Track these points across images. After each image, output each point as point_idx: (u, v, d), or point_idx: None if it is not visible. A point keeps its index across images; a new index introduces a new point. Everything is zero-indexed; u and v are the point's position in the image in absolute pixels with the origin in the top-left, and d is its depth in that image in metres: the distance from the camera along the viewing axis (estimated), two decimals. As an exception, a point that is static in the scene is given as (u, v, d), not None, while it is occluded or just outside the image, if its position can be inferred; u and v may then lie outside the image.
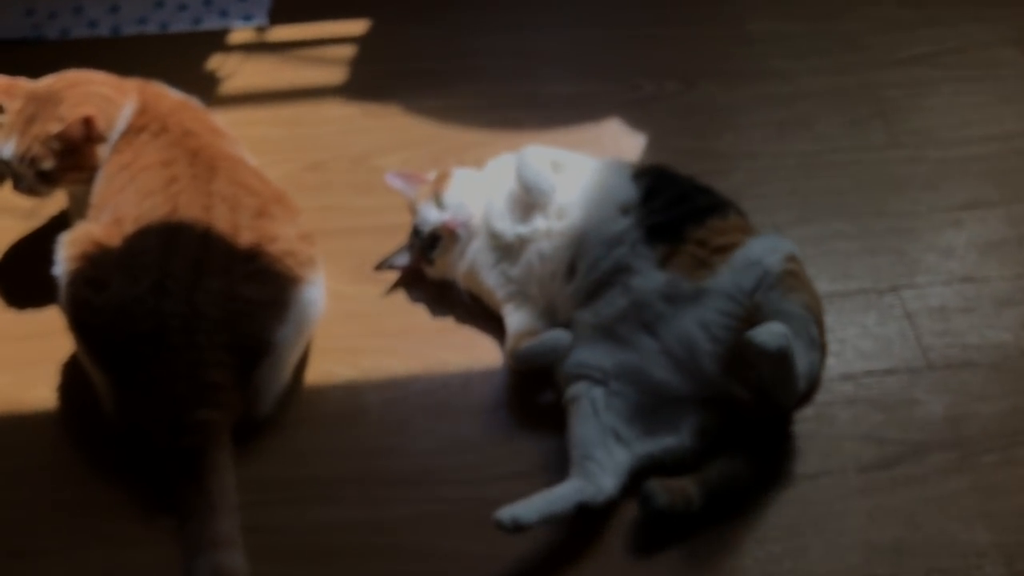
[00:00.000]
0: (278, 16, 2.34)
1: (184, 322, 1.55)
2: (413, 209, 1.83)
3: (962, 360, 1.71)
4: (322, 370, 1.74)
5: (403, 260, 1.85)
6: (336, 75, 2.23)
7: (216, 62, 2.24)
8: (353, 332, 1.79)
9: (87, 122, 1.72)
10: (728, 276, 1.58)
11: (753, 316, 1.53)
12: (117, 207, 1.68)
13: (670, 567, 1.49)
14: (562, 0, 2.40)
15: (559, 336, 1.66)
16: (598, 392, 1.58)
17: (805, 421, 1.64)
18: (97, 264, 1.59)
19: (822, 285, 1.75)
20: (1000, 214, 1.92)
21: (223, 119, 1.91)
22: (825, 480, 1.57)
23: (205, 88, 2.10)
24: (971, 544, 1.49)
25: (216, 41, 2.29)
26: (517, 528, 1.43)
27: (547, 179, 1.72)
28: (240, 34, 2.31)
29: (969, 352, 1.72)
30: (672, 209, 1.67)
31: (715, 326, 1.56)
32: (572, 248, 1.69)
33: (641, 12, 2.35)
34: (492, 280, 1.76)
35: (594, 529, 1.53)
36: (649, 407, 1.58)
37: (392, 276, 1.86)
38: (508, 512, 1.44)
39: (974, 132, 2.07)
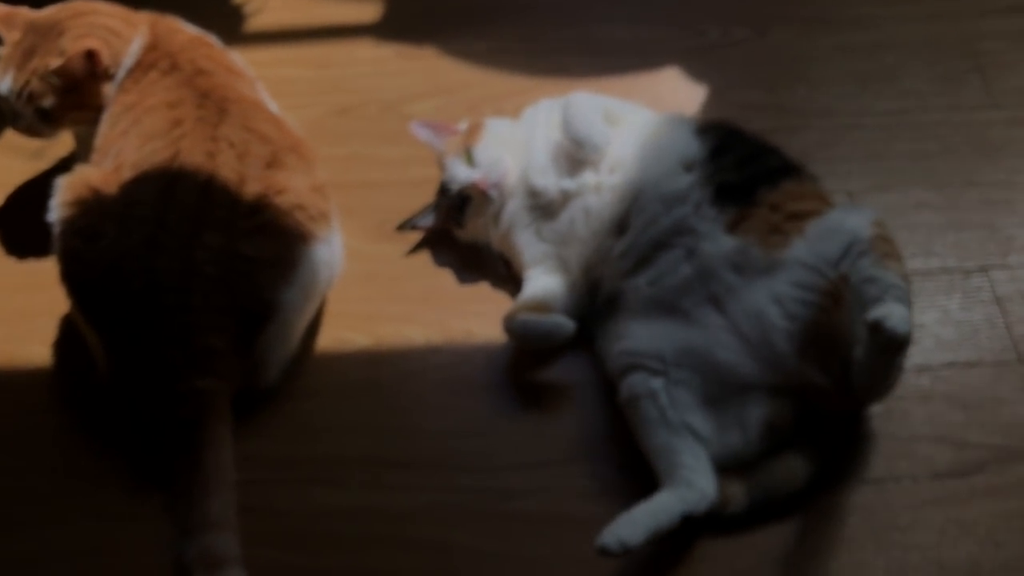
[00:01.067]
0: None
1: (179, 280, 1.40)
2: (441, 164, 1.65)
3: (1060, 355, 1.50)
4: (335, 337, 1.59)
5: (428, 221, 1.68)
6: (370, 13, 2.05)
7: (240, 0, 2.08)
8: (371, 296, 1.64)
9: (90, 56, 1.58)
10: (805, 246, 1.38)
11: (837, 289, 1.34)
12: (119, 151, 1.53)
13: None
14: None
15: (562, 323, 1.48)
16: (658, 385, 1.38)
17: (873, 418, 1.44)
18: (90, 212, 1.45)
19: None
20: None
21: (245, 59, 1.74)
22: (892, 487, 1.38)
23: (228, 26, 1.94)
24: (1062, 571, 1.30)
25: (244, -27, 2.13)
26: (625, 551, 1.26)
27: (600, 131, 1.53)
28: (271, -34, 2.15)
29: (1069, 346, 1.50)
30: (743, 168, 1.47)
31: (791, 300, 1.36)
32: (625, 203, 1.50)
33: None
34: (523, 239, 1.59)
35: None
36: (713, 397, 1.38)
37: (416, 235, 1.70)
38: (612, 535, 1.26)
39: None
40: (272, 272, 1.45)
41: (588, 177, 1.54)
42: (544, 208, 1.58)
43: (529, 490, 1.41)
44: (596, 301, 1.53)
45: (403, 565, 1.37)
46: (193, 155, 1.48)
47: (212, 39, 1.72)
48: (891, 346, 1.26)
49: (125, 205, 1.45)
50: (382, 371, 1.56)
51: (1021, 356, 1.50)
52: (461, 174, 1.61)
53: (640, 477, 1.38)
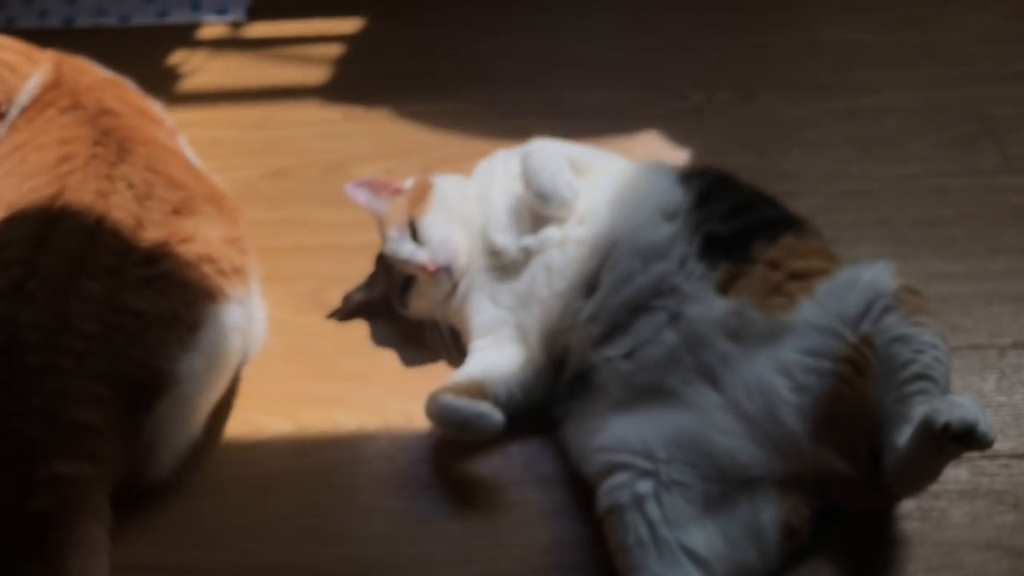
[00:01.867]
0: (259, 11, 1.99)
1: (45, 337, 1.13)
2: (382, 230, 1.41)
3: (1122, 443, 1.24)
4: (247, 421, 1.32)
5: (366, 296, 1.43)
6: (317, 75, 1.86)
7: (178, 57, 1.88)
8: (296, 374, 1.37)
9: (-26, 86, 1.37)
10: (814, 307, 1.15)
11: (858, 354, 1.10)
12: (-1, 196, 1.30)
13: None
14: (591, 1, 2.03)
15: (486, 413, 1.20)
16: (646, 489, 1.10)
17: (904, 519, 1.17)
18: (-52, 260, 1.20)
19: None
20: None
21: (176, 119, 1.53)
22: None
23: (160, 85, 1.72)
24: None
25: (183, 36, 1.94)
26: None
27: (566, 183, 1.31)
28: (211, 29, 1.96)
29: None
30: (734, 218, 1.25)
31: (801, 370, 1.12)
32: (595, 259, 1.27)
33: (690, 16, 1.96)
34: (474, 304, 1.34)
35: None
36: (714, 499, 1.11)
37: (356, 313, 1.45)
38: None
39: (1114, 157, 1.63)
40: (166, 333, 1.18)
41: (552, 231, 1.31)
42: (503, 269, 1.34)
43: (484, 610, 1.13)
44: (562, 377, 1.28)
45: None
46: (81, 193, 1.23)
47: (128, 83, 1.51)
48: (963, 448, 1.02)
49: (-9, 249, 1.20)
50: (303, 463, 1.28)
51: (1076, 445, 1.26)
52: (404, 252, 1.36)
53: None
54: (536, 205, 1.32)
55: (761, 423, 1.12)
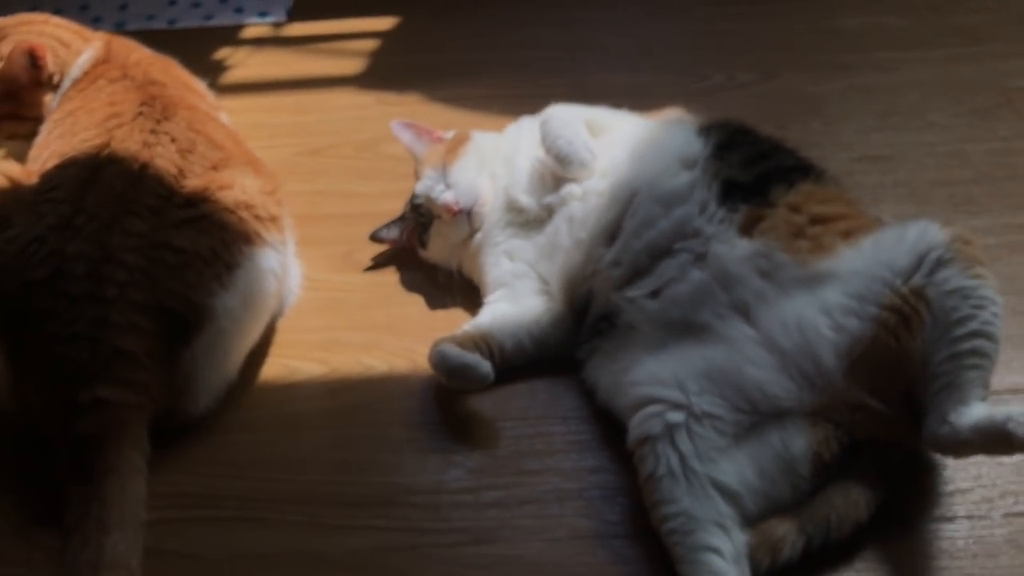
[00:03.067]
0: (298, 13, 2.09)
1: (90, 268, 1.20)
2: (417, 172, 1.48)
3: None
4: (282, 366, 1.37)
5: (394, 233, 1.49)
6: (353, 66, 1.94)
7: (222, 54, 1.98)
8: (330, 324, 1.42)
9: (31, 54, 1.45)
10: (860, 257, 1.14)
11: (907, 305, 1.09)
12: (51, 151, 1.37)
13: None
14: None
15: (475, 364, 1.24)
16: (678, 419, 1.11)
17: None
18: (3, 203, 1.27)
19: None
20: None
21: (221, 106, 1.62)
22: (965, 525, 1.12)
23: (206, 78, 1.80)
24: None
25: (227, 36, 2.04)
26: None
27: (584, 145, 1.35)
28: (254, 30, 2.06)
29: None
30: (752, 166, 1.28)
31: (842, 311, 1.12)
32: (616, 208, 1.30)
33: (711, 7, 2.02)
34: (490, 259, 1.39)
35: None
36: (745, 430, 1.12)
37: (385, 262, 1.51)
38: None
39: None
40: (205, 270, 1.24)
41: (573, 187, 1.35)
42: (524, 224, 1.39)
43: (501, 530, 1.15)
44: (587, 321, 1.31)
45: (338, 618, 1.09)
46: (127, 143, 1.31)
47: (173, 61, 1.60)
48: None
49: (42, 192, 1.26)
50: (333, 403, 1.33)
51: (1100, 381, 1.26)
52: (433, 190, 1.43)
53: (621, 525, 1.14)
54: (556, 168, 1.37)
55: (795, 357, 1.13)
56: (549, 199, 1.37)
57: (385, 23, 2.05)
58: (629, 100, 1.75)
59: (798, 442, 1.11)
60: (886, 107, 1.73)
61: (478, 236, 1.42)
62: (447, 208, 1.40)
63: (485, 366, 1.25)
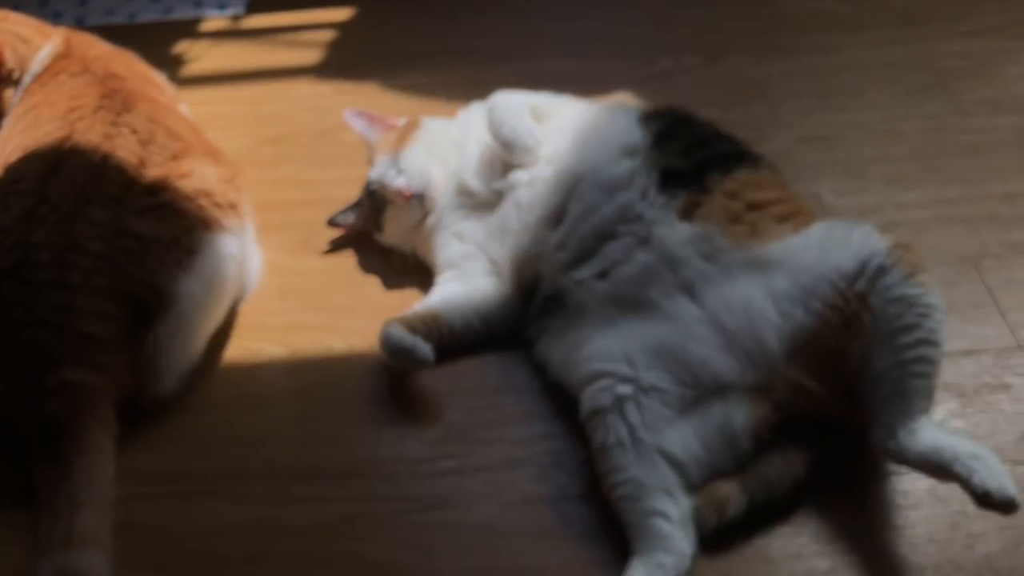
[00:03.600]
0: (257, 5, 2.12)
1: (55, 256, 1.24)
2: (371, 158, 1.53)
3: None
4: (245, 348, 1.42)
5: (350, 217, 1.54)
6: (311, 57, 1.98)
7: (182, 47, 2.01)
8: (290, 307, 1.47)
9: (-10, 53, 1.49)
10: (810, 252, 1.19)
11: (849, 308, 1.14)
12: (14, 145, 1.41)
13: None
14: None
15: (415, 347, 1.29)
16: (626, 391, 1.17)
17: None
18: (-33, 196, 1.32)
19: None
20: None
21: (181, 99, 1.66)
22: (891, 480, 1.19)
23: (165, 71, 1.85)
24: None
25: (187, 29, 2.07)
26: None
27: (528, 131, 1.40)
28: (213, 23, 2.09)
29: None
30: (690, 154, 1.33)
31: (790, 300, 1.17)
32: (561, 194, 1.35)
33: (657, -5, 2.10)
34: (441, 240, 1.44)
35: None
36: (689, 402, 1.18)
37: (342, 247, 1.55)
38: None
39: (1058, 100, 1.73)
40: (166, 256, 1.29)
41: (521, 174, 1.41)
42: (475, 208, 1.45)
43: (456, 497, 1.21)
44: (534, 302, 1.36)
45: (302, 584, 1.14)
46: (88, 135, 1.35)
47: (132, 56, 1.63)
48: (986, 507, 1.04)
49: (6, 184, 1.31)
50: (295, 382, 1.38)
51: (1019, 342, 1.34)
52: (386, 175, 1.48)
53: (570, 488, 1.21)
54: (502, 154, 1.42)
55: (739, 337, 1.19)
56: (498, 184, 1.42)
57: (341, 14, 2.09)
58: (579, 86, 1.81)
59: (739, 417, 1.18)
60: (826, 88, 1.79)
61: (431, 219, 1.47)
62: (399, 193, 1.46)
63: (423, 349, 1.30)
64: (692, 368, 1.19)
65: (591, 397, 1.20)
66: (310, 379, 1.37)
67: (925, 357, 1.12)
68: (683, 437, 1.17)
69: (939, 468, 1.07)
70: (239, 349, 1.41)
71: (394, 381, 1.35)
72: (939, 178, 1.59)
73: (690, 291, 1.23)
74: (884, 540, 1.14)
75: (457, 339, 1.37)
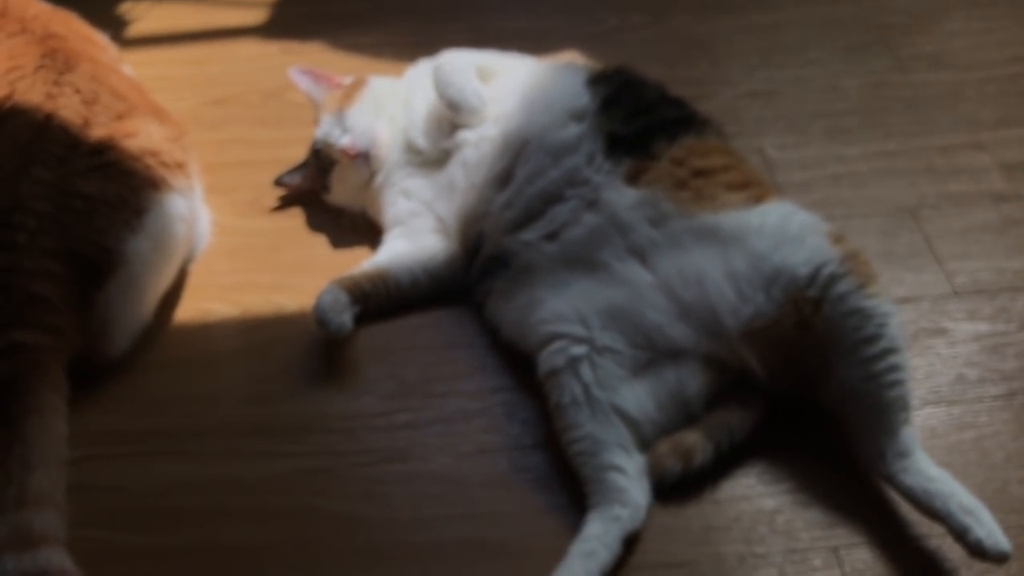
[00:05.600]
0: (199, -33, 2.10)
1: (0, 217, 1.23)
2: (316, 117, 1.52)
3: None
4: (196, 309, 1.42)
5: (296, 178, 1.54)
6: (255, 16, 1.96)
7: (124, 8, 1.98)
8: (239, 268, 1.47)
9: (-84, 14, 1.45)
10: (765, 241, 1.20)
11: (804, 309, 1.16)
12: (-50, 108, 1.39)
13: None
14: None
15: (337, 324, 1.30)
16: (581, 352, 1.19)
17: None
18: (-93, 159, 1.29)
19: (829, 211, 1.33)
20: (1028, 135, 1.62)
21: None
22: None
23: (107, 33, 1.81)
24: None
25: (126, -10, 2.05)
26: None
27: (474, 91, 1.40)
28: (154, -16, 2.07)
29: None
30: (634, 120, 1.34)
31: (751, 285, 1.19)
32: (508, 155, 1.35)
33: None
34: (388, 198, 1.44)
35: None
36: (643, 364, 1.20)
37: (290, 208, 1.55)
38: None
39: (993, 55, 1.76)
40: (114, 216, 1.28)
41: (468, 133, 1.41)
42: (422, 165, 1.45)
43: (411, 448, 1.23)
44: (475, 262, 1.37)
45: (263, 537, 1.15)
46: (30, 95, 1.33)
47: (72, 15, 1.60)
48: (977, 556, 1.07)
49: (-55, 144, 1.29)
50: (247, 341, 1.38)
51: (955, 289, 1.39)
52: (331, 135, 1.48)
53: (522, 438, 1.24)
54: (448, 114, 1.42)
55: (694, 309, 1.21)
56: (445, 143, 1.43)
57: (285, -26, 2.08)
58: (528, 44, 1.82)
59: (692, 383, 1.21)
60: (769, 46, 1.82)
61: (379, 177, 1.47)
62: (344, 152, 1.45)
63: (345, 328, 1.30)
64: (646, 332, 1.21)
65: (547, 359, 1.22)
66: (262, 337, 1.38)
67: (894, 366, 1.14)
68: (637, 396, 1.19)
69: (930, 513, 1.10)
70: (191, 309, 1.41)
71: (348, 339, 1.35)
72: (879, 132, 1.63)
73: (641, 256, 1.25)
74: (827, 480, 1.18)
75: (405, 296, 1.38)
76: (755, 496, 1.17)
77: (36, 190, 1.25)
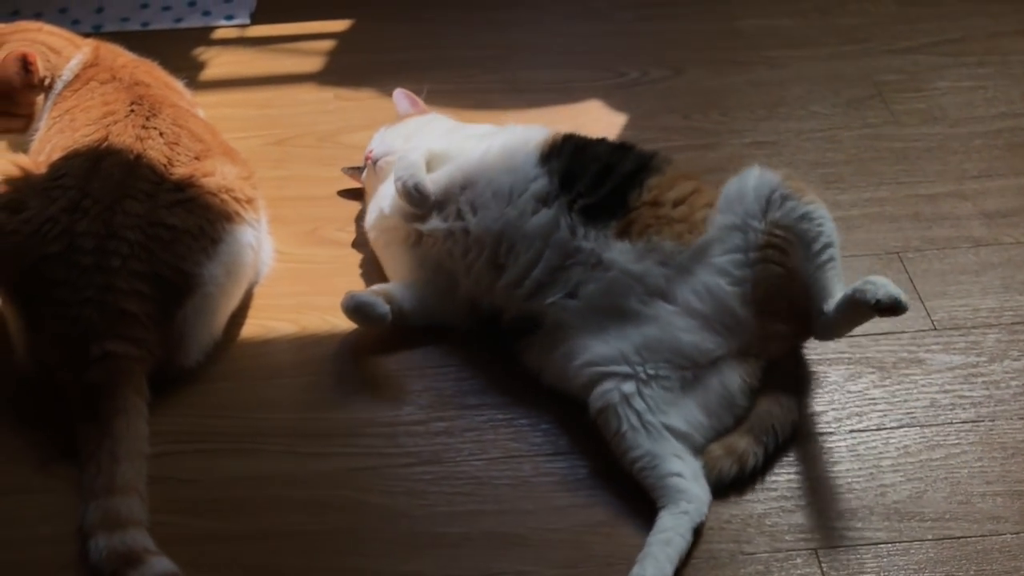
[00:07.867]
0: (260, 17, 2.30)
1: (97, 242, 1.42)
2: None
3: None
4: (260, 325, 1.61)
5: (358, 173, 1.76)
6: (312, 65, 2.16)
7: (194, 54, 2.19)
8: (299, 291, 1.66)
9: (23, 60, 1.65)
10: (723, 216, 1.41)
11: (776, 239, 1.38)
12: (53, 144, 1.59)
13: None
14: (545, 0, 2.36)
15: (374, 304, 1.48)
16: (630, 389, 1.34)
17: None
18: (18, 189, 1.49)
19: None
20: (1011, 185, 1.77)
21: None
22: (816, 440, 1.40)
23: (178, 76, 2.03)
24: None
25: (196, 37, 2.24)
26: None
27: (416, 188, 1.50)
28: (221, 32, 2.26)
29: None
30: (601, 186, 1.47)
31: (733, 265, 1.39)
32: (488, 248, 1.48)
33: (626, 10, 2.28)
34: (391, 253, 1.61)
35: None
36: (689, 380, 1.36)
37: (347, 240, 1.75)
38: None
39: (980, 112, 1.94)
40: (194, 244, 1.47)
41: (437, 223, 1.51)
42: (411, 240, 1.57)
43: (449, 452, 1.41)
44: (501, 326, 1.48)
45: (315, 526, 1.33)
46: (122, 137, 1.53)
47: (154, 64, 1.81)
48: (888, 315, 1.30)
49: (51, 179, 1.48)
50: (304, 355, 1.56)
51: (934, 324, 1.55)
52: (373, 139, 1.70)
53: (544, 446, 1.40)
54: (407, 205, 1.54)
55: (714, 316, 1.38)
56: (420, 227, 1.53)
57: (340, 25, 2.28)
58: (555, 94, 2.03)
59: (733, 380, 1.38)
60: (775, 99, 2.00)
61: (387, 222, 1.58)
62: (366, 154, 1.68)
63: (384, 307, 1.48)
64: (685, 352, 1.37)
65: (599, 398, 1.36)
66: (316, 353, 1.56)
67: (832, 256, 1.39)
68: (687, 412, 1.36)
69: (849, 306, 1.32)
70: (254, 327, 1.60)
71: (393, 355, 1.54)
72: (871, 180, 1.80)
73: (661, 294, 1.40)
74: (811, 489, 1.35)
75: (405, 320, 1.53)
76: (745, 501, 1.33)
77: (128, 221, 1.44)
